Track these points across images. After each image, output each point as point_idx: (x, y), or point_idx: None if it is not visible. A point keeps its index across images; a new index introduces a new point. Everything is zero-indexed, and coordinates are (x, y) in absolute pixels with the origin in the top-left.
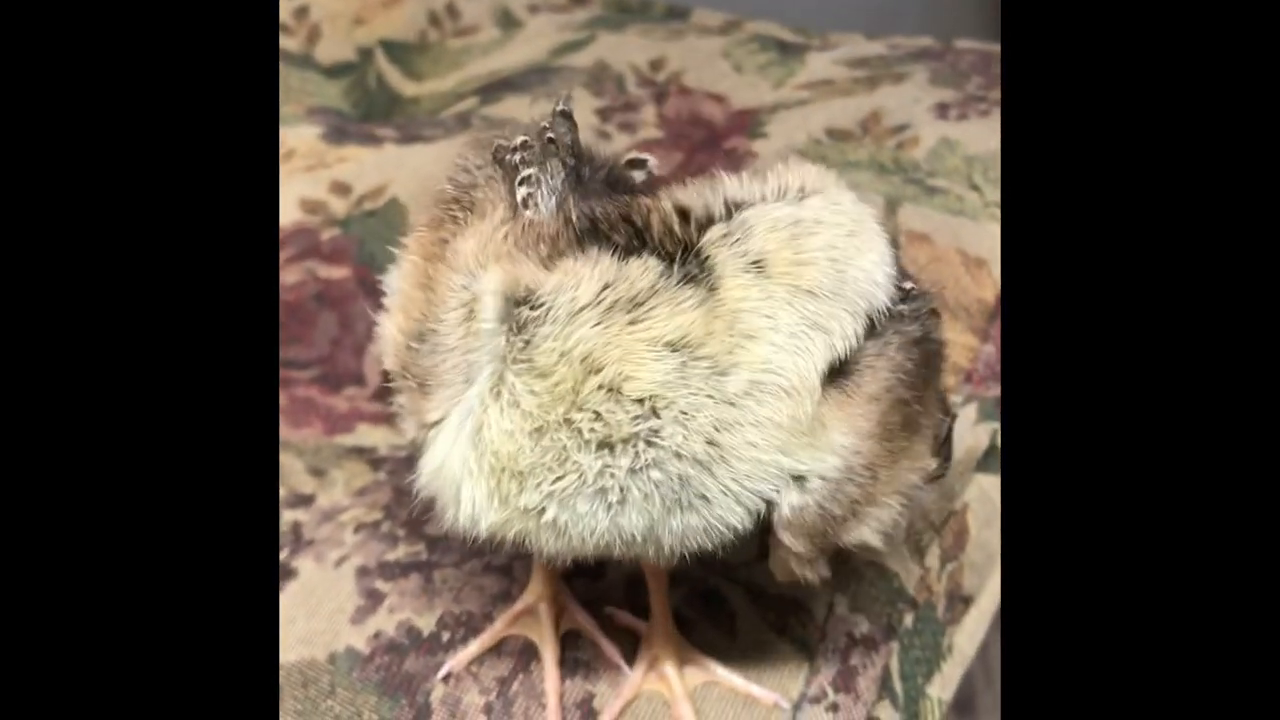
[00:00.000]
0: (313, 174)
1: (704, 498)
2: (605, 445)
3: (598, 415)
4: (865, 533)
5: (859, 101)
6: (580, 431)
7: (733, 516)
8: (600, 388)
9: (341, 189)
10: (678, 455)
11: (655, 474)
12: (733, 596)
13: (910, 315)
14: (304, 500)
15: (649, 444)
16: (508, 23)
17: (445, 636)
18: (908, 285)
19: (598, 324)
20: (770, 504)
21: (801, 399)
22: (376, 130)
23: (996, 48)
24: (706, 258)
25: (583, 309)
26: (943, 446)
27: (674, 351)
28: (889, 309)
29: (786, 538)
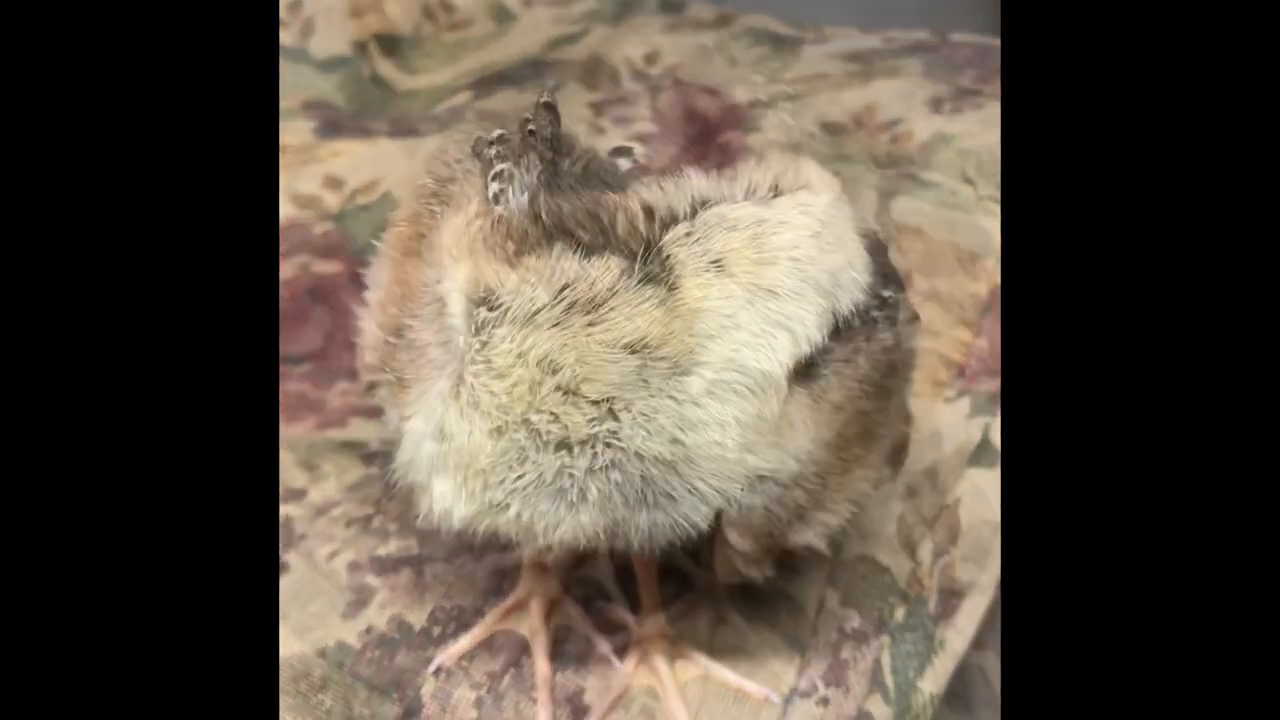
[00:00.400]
0: (306, 168)
1: (669, 496)
2: (563, 446)
3: (555, 417)
4: (810, 536)
5: (853, 95)
6: (539, 432)
7: (698, 515)
8: (558, 389)
9: (334, 183)
10: (639, 456)
11: (615, 475)
12: (724, 591)
13: (885, 322)
14: (296, 495)
15: (608, 445)
16: (502, 16)
17: (436, 631)
18: (886, 294)
19: (555, 325)
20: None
21: (767, 398)
22: (370, 124)
23: (991, 41)
24: (667, 256)
25: (540, 310)
26: (897, 455)
27: (632, 353)
28: (862, 314)
29: (733, 536)
